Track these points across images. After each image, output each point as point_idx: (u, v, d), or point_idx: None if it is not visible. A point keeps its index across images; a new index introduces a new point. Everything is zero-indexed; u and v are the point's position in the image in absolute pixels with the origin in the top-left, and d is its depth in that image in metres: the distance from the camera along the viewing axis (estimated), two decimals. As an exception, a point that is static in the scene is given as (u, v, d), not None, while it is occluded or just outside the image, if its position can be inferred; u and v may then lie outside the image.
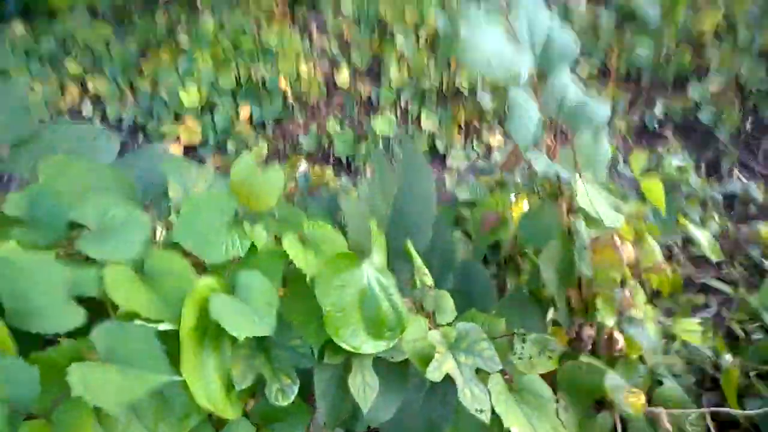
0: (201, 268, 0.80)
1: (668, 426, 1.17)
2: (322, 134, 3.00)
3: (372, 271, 0.83)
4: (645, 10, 3.04)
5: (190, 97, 3.02)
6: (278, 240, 0.85)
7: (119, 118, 3.21)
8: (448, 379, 0.95)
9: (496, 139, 2.93)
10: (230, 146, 2.99)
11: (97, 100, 3.30)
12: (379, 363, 0.86)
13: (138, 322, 0.66)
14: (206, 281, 0.74)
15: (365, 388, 0.82)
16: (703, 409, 1.13)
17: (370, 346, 0.82)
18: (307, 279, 0.79)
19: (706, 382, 1.54)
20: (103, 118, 3.25)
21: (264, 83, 3.18)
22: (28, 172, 0.88)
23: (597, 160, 1.12)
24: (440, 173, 2.77)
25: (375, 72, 3.35)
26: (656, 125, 2.87)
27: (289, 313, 0.81)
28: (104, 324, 0.65)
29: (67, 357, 0.64)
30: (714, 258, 1.46)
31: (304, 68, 3.22)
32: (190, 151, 3.04)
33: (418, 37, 3.32)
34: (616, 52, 3.12)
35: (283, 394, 0.78)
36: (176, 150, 2.95)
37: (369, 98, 3.18)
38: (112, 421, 0.65)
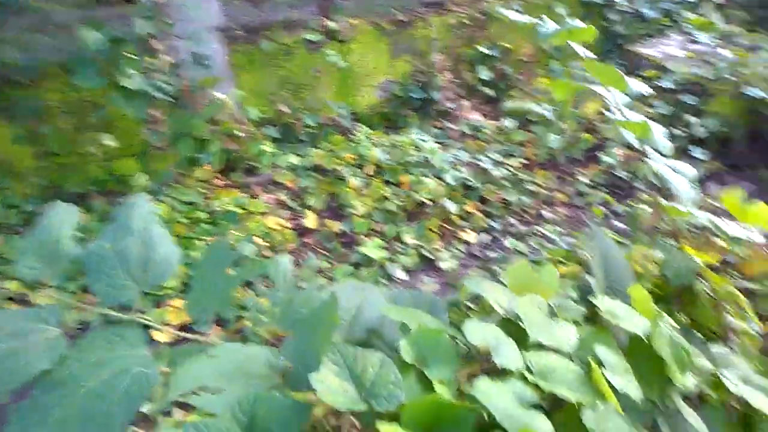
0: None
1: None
2: (319, 272, 3.06)
3: (664, 325, 0.99)
4: (542, 113, 3.74)
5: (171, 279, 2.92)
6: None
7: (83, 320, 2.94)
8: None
9: (470, 236, 3.24)
10: (226, 314, 2.90)
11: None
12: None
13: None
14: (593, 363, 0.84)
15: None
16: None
17: (691, 385, 0.96)
18: (643, 337, 0.92)
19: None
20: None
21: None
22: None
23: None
24: (439, 277, 2.97)
25: (334, 207, 3.55)
26: (588, 192, 3.42)
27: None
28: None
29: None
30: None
31: (271, 222, 3.32)
32: (186, 329, 2.87)
33: (362, 170, 3.64)
34: (530, 146, 3.73)
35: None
36: (169, 334, 2.77)
37: (342, 232, 3.34)
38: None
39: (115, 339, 0.89)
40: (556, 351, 0.88)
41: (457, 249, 3.18)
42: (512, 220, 3.32)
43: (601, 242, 1.21)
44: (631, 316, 0.97)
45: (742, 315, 1.42)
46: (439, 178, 3.45)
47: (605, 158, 3.47)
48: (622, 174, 3.41)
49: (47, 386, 0.80)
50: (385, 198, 3.43)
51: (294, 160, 3.80)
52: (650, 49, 3.96)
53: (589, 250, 1.18)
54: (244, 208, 3.41)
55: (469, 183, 3.46)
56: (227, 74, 3.87)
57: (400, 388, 0.76)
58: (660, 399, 0.94)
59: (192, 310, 0.97)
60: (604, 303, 0.99)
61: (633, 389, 0.84)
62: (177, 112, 3.62)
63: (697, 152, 3.44)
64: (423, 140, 3.86)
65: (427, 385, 0.80)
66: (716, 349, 1.29)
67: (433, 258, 3.12)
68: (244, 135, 3.89)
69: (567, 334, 0.91)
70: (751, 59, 3.44)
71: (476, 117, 4.25)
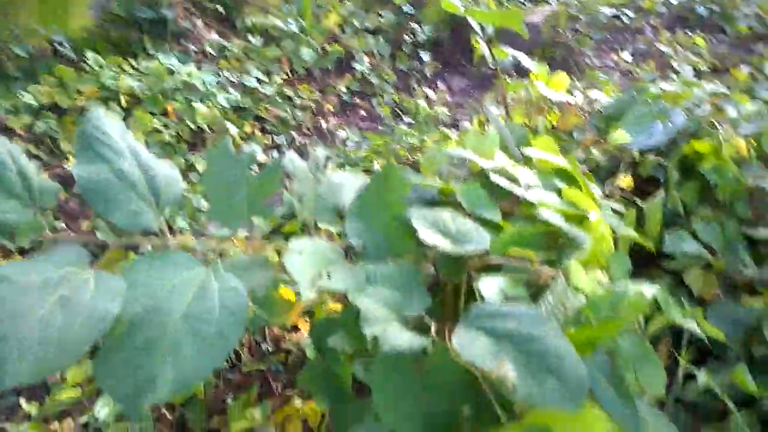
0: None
1: None
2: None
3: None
4: (284, 27, 3.82)
5: None
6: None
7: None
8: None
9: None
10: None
11: None
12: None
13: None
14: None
15: None
16: None
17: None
18: (567, 168, 1.24)
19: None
20: None
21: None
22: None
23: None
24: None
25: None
26: (350, 99, 3.76)
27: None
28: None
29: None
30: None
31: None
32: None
33: (114, 104, 3.16)
34: (287, 63, 3.81)
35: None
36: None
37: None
38: None
39: (165, 266, 0.78)
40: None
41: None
42: (294, 134, 3.43)
43: (493, 117, 1.49)
44: (552, 157, 1.28)
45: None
46: (209, 102, 3.26)
47: (357, 66, 3.80)
48: (374, 80, 3.82)
49: (125, 331, 0.68)
50: (156, 130, 3.08)
51: (17, 101, 3.02)
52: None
53: (491, 122, 1.45)
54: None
55: (240, 105, 3.37)
56: None
57: (482, 230, 0.90)
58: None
59: (220, 219, 0.88)
60: (530, 151, 1.28)
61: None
62: None
63: (425, 55, 4.08)
64: (172, 64, 3.51)
65: (488, 226, 0.95)
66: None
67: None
68: None
69: (533, 177, 1.17)
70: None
71: (215, 36, 4.03)
